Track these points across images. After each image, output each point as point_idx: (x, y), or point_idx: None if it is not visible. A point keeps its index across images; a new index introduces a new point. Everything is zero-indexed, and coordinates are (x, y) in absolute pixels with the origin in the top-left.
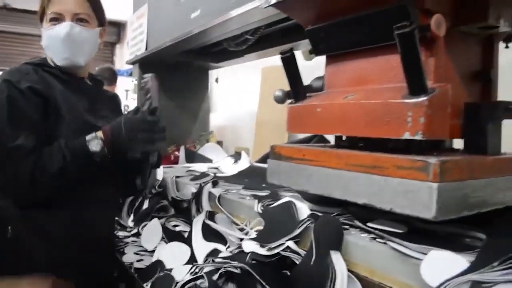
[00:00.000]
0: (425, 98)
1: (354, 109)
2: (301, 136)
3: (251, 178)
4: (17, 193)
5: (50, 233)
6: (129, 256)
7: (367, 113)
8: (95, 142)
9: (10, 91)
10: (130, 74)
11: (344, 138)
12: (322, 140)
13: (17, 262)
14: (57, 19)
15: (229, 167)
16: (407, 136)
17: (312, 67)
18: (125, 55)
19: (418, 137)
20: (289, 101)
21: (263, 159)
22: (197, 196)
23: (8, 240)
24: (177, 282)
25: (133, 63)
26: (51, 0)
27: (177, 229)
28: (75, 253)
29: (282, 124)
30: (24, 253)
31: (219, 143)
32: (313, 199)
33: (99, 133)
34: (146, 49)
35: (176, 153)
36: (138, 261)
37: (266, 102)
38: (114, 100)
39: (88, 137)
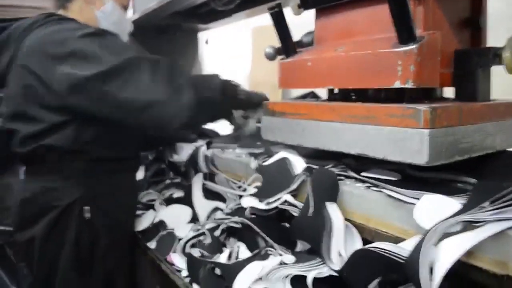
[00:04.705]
0: (414, 46)
1: (345, 61)
2: (294, 95)
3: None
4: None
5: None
6: None
7: (357, 65)
8: None
9: None
10: None
11: (336, 91)
12: (315, 97)
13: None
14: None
15: (224, 128)
16: (397, 85)
17: None
18: None
19: (409, 85)
20: (280, 57)
21: None
22: (193, 158)
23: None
24: (180, 239)
25: None
26: None
27: (174, 196)
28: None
29: (275, 84)
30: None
31: None
32: (307, 154)
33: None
34: (133, 13)
35: None
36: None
37: (258, 63)
38: None
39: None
